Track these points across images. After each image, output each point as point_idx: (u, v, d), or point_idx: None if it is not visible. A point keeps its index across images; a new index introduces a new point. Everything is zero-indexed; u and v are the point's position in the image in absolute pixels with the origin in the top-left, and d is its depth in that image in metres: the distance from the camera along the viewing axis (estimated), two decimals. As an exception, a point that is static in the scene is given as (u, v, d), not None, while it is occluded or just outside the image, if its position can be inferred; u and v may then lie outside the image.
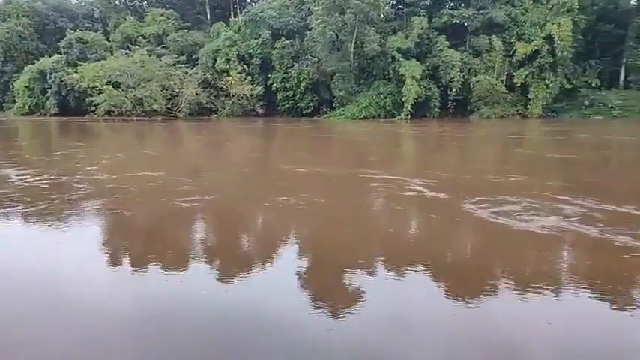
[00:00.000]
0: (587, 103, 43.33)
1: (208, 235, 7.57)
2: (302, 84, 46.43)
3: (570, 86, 43.62)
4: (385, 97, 44.09)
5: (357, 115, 43.78)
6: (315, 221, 8.26)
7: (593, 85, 44.84)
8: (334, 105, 46.05)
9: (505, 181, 11.89)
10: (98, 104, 44.58)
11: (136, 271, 5.78)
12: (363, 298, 4.88)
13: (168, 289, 5.14)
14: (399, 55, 43.12)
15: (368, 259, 6.10)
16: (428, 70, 43.61)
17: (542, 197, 9.24)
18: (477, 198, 9.26)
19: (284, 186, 11.29)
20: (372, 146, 23.36)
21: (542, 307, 4.71)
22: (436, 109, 43.97)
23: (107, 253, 6.45)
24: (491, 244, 6.94)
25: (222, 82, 46.91)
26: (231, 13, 55.96)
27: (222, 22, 52.26)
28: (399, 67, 42.83)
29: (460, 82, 42.81)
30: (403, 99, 42.33)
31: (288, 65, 46.86)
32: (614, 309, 4.65)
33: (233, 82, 46.34)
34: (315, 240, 7.30)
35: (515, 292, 5.04)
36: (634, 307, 4.73)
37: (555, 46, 40.78)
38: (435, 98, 43.72)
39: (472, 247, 6.90)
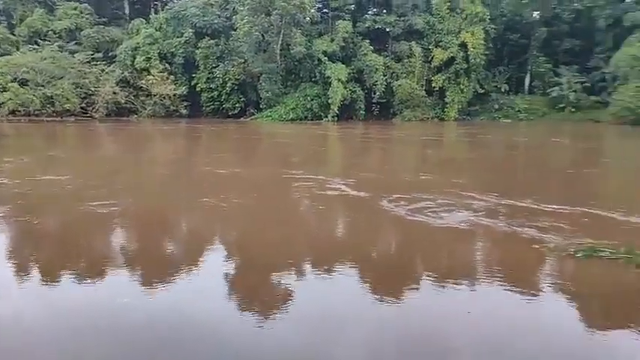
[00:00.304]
0: (497, 107, 46.62)
1: (126, 240, 7.23)
2: (228, 85, 45.61)
3: (482, 91, 46.66)
4: (312, 99, 44.53)
5: (284, 116, 43.80)
6: (238, 223, 8.17)
7: (503, 90, 48.34)
8: (261, 106, 45.73)
9: (420, 180, 12.54)
10: (2, 103, 40.81)
11: (51, 282, 5.38)
12: (291, 299, 4.91)
13: (87, 300, 4.86)
14: (325, 57, 43.78)
15: (294, 259, 6.15)
16: (353, 73, 44.68)
17: (453, 194, 9.84)
18: (395, 196, 9.66)
19: (206, 188, 11.05)
20: (297, 147, 23.52)
21: (462, 298, 5.02)
22: (361, 112, 45.15)
23: (14, 264, 5.94)
24: (410, 240, 7.27)
25: (143, 82, 44.80)
26: (152, 9, 53.69)
27: (142, 19, 49.93)
28: (325, 70, 43.48)
29: (383, 86, 44.31)
30: (329, 101, 43.02)
31: (213, 65, 45.84)
32: (528, 296, 5.05)
33: (154, 81, 44.41)
34: (239, 241, 7.23)
35: (436, 285, 5.32)
36: (545, 293, 5.17)
37: (469, 53, 43.48)
38: (360, 101, 44.88)
39: (392, 244, 7.19)
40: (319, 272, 5.72)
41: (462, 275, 5.55)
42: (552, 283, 5.46)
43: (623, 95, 37.47)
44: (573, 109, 44.38)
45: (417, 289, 5.23)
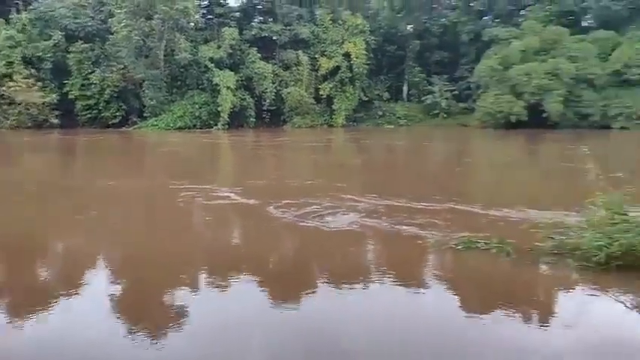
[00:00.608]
0: (380, 113, 49.64)
1: (-6, 268, 6.39)
2: (106, 92, 42.47)
3: (367, 99, 49.31)
4: (200, 107, 43.32)
5: (171, 125, 41.99)
6: (121, 239, 7.68)
7: (384, 98, 51.60)
8: (145, 115, 43.34)
9: (307, 185, 12.89)
10: None
11: None
12: (186, 313, 4.73)
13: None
14: (212, 64, 42.92)
15: (184, 273, 5.94)
16: (242, 80, 44.41)
17: (338, 198, 10.23)
18: (283, 202, 9.80)
19: (80, 204, 10.22)
20: (185, 157, 22.75)
21: (356, 298, 5.25)
22: (252, 119, 45.03)
23: None
24: (300, 245, 7.43)
25: (4, 89, 39.91)
26: (13, 9, 48.11)
27: (1, 19, 44.53)
28: (213, 77, 42.59)
29: (273, 94, 44.71)
30: (219, 109, 42.23)
31: (89, 71, 42.40)
32: (416, 290, 5.45)
33: (18, 88, 39.77)
34: (123, 259, 6.79)
35: (331, 287, 5.50)
36: (430, 285, 5.62)
37: (352, 62, 45.72)
38: (250, 108, 44.76)
39: (282, 250, 7.29)
40: (213, 284, 5.58)
41: (353, 276, 5.79)
42: (436, 275, 5.97)
43: (485, 102, 42.15)
44: (445, 115, 48.81)
45: (313, 292, 5.33)
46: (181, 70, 43.31)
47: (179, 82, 44.34)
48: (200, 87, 44.14)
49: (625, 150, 22.81)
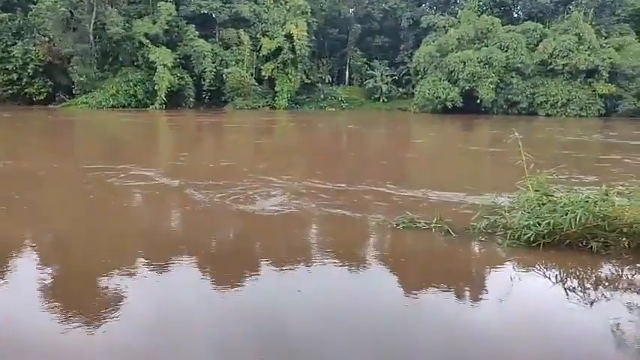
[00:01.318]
0: (322, 96, 49.77)
1: None
2: (30, 66, 39.47)
3: (309, 81, 49.22)
4: (136, 85, 41.34)
5: (103, 103, 39.81)
6: (35, 225, 7.25)
7: (327, 81, 51.77)
8: (74, 92, 40.74)
9: (237, 167, 12.82)
10: None
11: None
12: (122, 302, 4.55)
13: None
14: (148, 41, 40.92)
15: (114, 259, 5.71)
16: (179, 59, 42.76)
17: (270, 180, 10.26)
18: (210, 182, 9.74)
19: None
20: (111, 136, 21.74)
21: (294, 278, 5.30)
22: (191, 99, 43.62)
23: None
24: (233, 228, 7.35)
25: None
26: None
27: None
28: (148, 54, 40.66)
29: (213, 73, 43.44)
30: (155, 88, 40.51)
31: (9, 43, 39.16)
32: (360, 270, 5.57)
33: None
34: (42, 247, 6.42)
35: (271, 269, 5.49)
36: (375, 264, 5.77)
37: (295, 44, 45.31)
38: (190, 88, 43.30)
39: (215, 234, 7.18)
40: (147, 269, 5.39)
41: (293, 258, 5.81)
42: (377, 255, 6.13)
43: (423, 87, 43.47)
44: (386, 100, 49.85)
45: (254, 275, 5.29)
46: (113, 45, 40.97)
47: (111, 58, 41.99)
48: (135, 64, 42.05)
49: (550, 135, 24.42)
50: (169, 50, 41.60)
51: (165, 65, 40.23)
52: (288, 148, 18.92)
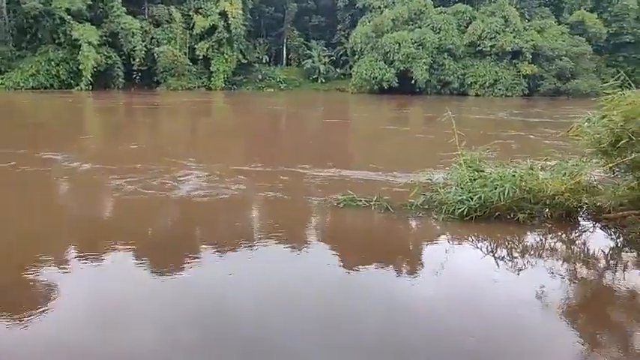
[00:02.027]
0: (260, 77, 48.93)
1: None
2: None
3: (246, 61, 48.15)
4: (58, 65, 38.54)
5: (22, 84, 36.87)
6: None
7: (264, 61, 50.87)
8: (-13, 72, 37.36)
9: (157, 151, 12.57)
10: None
11: None
12: (57, 295, 4.29)
13: None
14: (70, 17, 38.10)
15: (45, 252, 5.38)
16: (106, 36, 40.22)
17: (196, 164, 10.10)
18: (128, 166, 9.39)
19: None
20: (23, 120, 20.32)
21: (239, 261, 5.24)
22: (120, 80, 41.35)
23: None
24: (160, 214, 7.15)
25: None
26: None
27: None
28: (71, 31, 37.91)
29: (143, 52, 41.35)
30: (80, 67, 37.97)
31: None
32: (302, 249, 5.59)
33: None
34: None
35: (212, 254, 5.38)
36: (316, 242, 5.81)
37: (230, 22, 44.02)
38: (118, 68, 40.99)
39: (140, 221, 6.95)
40: (82, 261, 5.13)
41: (233, 240, 5.73)
42: (319, 233, 6.20)
43: (360, 68, 43.94)
44: (324, 80, 49.91)
45: (194, 261, 5.17)
46: (31, 21, 37.80)
47: (29, 36, 38.80)
48: (56, 42, 39.08)
49: (480, 113, 25.60)
50: (94, 27, 38.99)
51: (90, 43, 37.72)
52: (217, 131, 18.57)
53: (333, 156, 12.20)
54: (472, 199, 6.29)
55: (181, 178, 8.74)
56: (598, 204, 6.42)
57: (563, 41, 44.02)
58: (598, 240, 6.04)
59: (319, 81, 49.77)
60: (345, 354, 3.46)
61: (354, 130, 20.05)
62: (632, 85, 6.30)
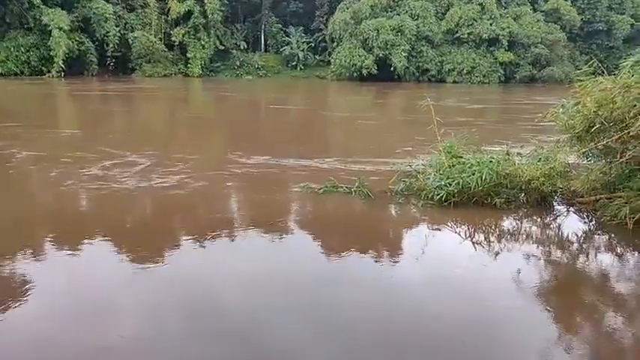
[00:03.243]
0: (238, 64, 48.22)
1: None
2: None
3: (223, 47, 47.37)
4: (28, 51, 37.28)
5: (-10, 71, 35.61)
6: None
7: (242, 47, 50.11)
8: (-48, 58, 35.93)
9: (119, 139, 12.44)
10: None
11: None
12: (32, 286, 4.22)
13: None
14: (39, 1, 36.80)
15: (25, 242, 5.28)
16: (78, 21, 38.99)
17: (164, 154, 10.02)
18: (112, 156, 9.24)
19: None
20: None
21: (222, 248, 5.23)
22: (94, 66, 40.24)
23: None
24: (133, 204, 7.07)
25: None
26: None
27: None
28: (41, 16, 36.65)
29: (117, 38, 40.28)
30: (52, 53, 36.81)
31: None
32: (284, 235, 5.59)
33: None
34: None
35: (194, 243, 5.35)
36: (298, 229, 5.82)
37: (206, 7, 43.14)
38: (91, 54, 39.85)
39: (114, 212, 6.89)
40: (59, 251, 5.04)
41: (214, 229, 5.72)
42: (300, 219, 6.21)
43: (339, 55, 43.68)
44: (303, 67, 49.51)
45: (177, 249, 5.14)
46: (-3, 5, 36.39)
47: (-4, 20, 37.34)
48: (25, 27, 37.74)
49: (460, 100, 25.86)
50: (65, 12, 37.74)
51: (60, 29, 36.52)
52: (190, 119, 18.34)
53: (307, 145, 12.19)
54: (451, 184, 6.38)
55: (167, 168, 8.61)
56: (572, 188, 6.60)
57: (539, 28, 44.56)
58: (572, 223, 6.23)
59: (298, 68, 49.37)
60: (331, 338, 3.50)
61: (337, 118, 20.02)
62: (605, 71, 6.45)
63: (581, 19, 47.22)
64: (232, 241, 5.45)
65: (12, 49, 36.79)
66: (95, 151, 9.83)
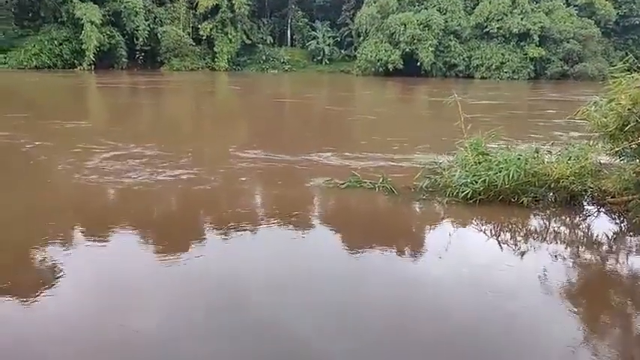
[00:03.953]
0: (264, 58, 48.49)
1: None
2: None
3: (250, 42, 47.70)
4: (61, 44, 38.34)
5: (25, 63, 36.73)
6: None
7: (268, 42, 50.35)
8: (-10, 51, 37.22)
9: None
10: None
11: None
12: (66, 274, 4.35)
13: None
14: (72, -5, 37.80)
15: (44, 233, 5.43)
16: (109, 15, 39.88)
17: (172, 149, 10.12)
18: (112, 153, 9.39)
19: None
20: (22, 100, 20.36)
21: (246, 243, 5.28)
22: (124, 60, 41.13)
23: None
24: (149, 200, 7.19)
25: None
26: None
27: None
28: (74, 10, 37.60)
29: (146, 32, 41.02)
30: (84, 47, 37.75)
31: None
32: (309, 230, 5.62)
33: None
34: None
35: (218, 237, 5.42)
36: (321, 224, 5.84)
37: (233, 2, 43.46)
38: (122, 47, 40.71)
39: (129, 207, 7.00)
40: (86, 241, 5.17)
41: (242, 223, 5.75)
42: (324, 214, 6.22)
43: (365, 50, 43.43)
44: (328, 62, 49.42)
45: (201, 244, 5.21)
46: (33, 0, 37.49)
47: (31, 14, 38.52)
48: (59, 21, 38.81)
49: (487, 96, 25.39)
50: (97, 6, 38.63)
51: (92, 22, 37.42)
52: (217, 114, 18.52)
53: (330, 139, 12.17)
54: (476, 182, 6.28)
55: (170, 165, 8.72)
56: (603, 188, 6.41)
57: (572, 23, 43.29)
58: (602, 224, 6.05)
59: (323, 62, 49.29)
60: (355, 335, 3.50)
61: (364, 112, 19.92)
62: (641, 68, 6.21)
63: (617, 13, 45.64)
64: (255, 235, 5.48)
65: (46, 42, 37.86)
66: (111, 143, 10.06)
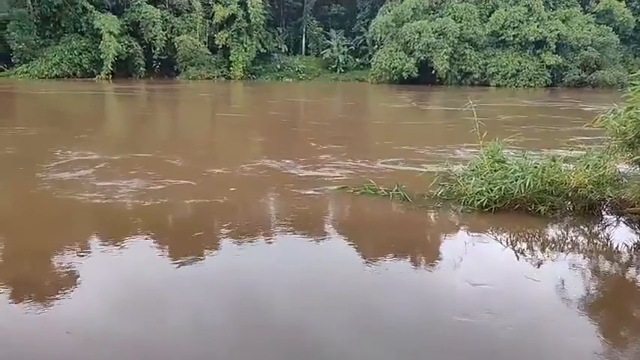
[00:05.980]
0: (279, 66, 48.82)
1: None
2: (-40, 32, 36.44)
3: (265, 51, 48.09)
4: (80, 54, 39.13)
5: (46, 73, 37.55)
6: None
7: (283, 50, 50.72)
8: (13, 61, 38.10)
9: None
10: None
11: None
12: (82, 279, 4.42)
13: None
14: (92, 6, 38.62)
15: (59, 240, 5.52)
16: (127, 25, 40.66)
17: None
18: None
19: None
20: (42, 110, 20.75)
21: (263, 250, 5.29)
22: (141, 69, 41.81)
23: None
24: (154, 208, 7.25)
25: None
26: None
27: None
28: (93, 20, 38.44)
29: (163, 41, 41.67)
30: (102, 56, 38.50)
31: None
32: (322, 238, 5.62)
33: None
34: None
35: (234, 244, 5.45)
36: (335, 232, 5.84)
37: (249, 11, 43.95)
38: (139, 57, 41.41)
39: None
40: (102, 246, 5.23)
41: (253, 230, 5.78)
42: (337, 222, 6.21)
43: (379, 58, 43.46)
44: (343, 70, 49.54)
45: (215, 250, 5.25)
46: (54, 10, 38.40)
47: (52, 24, 39.42)
48: (79, 31, 39.67)
49: (503, 104, 25.17)
50: (115, 16, 39.43)
51: (111, 33, 38.17)
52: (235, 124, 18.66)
53: (346, 146, 12.17)
54: (492, 190, 6.22)
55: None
56: (622, 197, 6.29)
57: (589, 31, 42.79)
58: (621, 234, 5.93)
59: (338, 71, 49.43)
60: (373, 342, 3.48)
61: (381, 120, 19.91)
62: (661, 75, 6.11)
63: (636, 20, 44.97)
64: (271, 241, 5.50)
65: (66, 52, 38.68)
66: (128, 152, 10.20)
